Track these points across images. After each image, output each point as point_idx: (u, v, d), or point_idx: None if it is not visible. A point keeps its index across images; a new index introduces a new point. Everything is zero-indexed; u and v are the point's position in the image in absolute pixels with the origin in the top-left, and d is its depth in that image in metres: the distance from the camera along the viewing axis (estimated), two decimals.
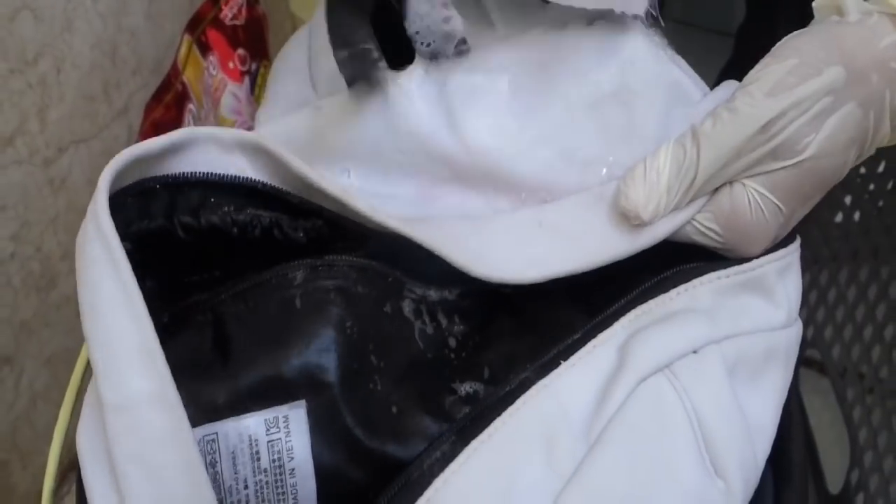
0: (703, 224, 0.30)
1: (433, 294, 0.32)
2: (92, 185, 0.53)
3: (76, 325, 0.55)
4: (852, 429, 0.56)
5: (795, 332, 0.31)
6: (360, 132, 0.32)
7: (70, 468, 0.56)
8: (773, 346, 0.30)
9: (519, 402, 0.27)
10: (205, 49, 0.48)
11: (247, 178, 0.30)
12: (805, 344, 0.64)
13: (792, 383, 0.34)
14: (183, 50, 0.46)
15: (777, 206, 0.30)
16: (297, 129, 0.34)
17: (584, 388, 0.27)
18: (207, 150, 0.29)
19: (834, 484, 0.57)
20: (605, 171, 0.32)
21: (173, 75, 0.45)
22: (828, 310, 0.62)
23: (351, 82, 0.32)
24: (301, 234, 0.31)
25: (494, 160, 0.32)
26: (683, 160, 0.29)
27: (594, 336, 0.29)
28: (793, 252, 0.32)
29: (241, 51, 0.51)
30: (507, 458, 0.26)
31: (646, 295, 0.30)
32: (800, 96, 0.28)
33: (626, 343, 0.28)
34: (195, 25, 0.48)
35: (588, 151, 0.32)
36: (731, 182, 0.30)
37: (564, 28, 0.34)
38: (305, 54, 0.39)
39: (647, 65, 0.33)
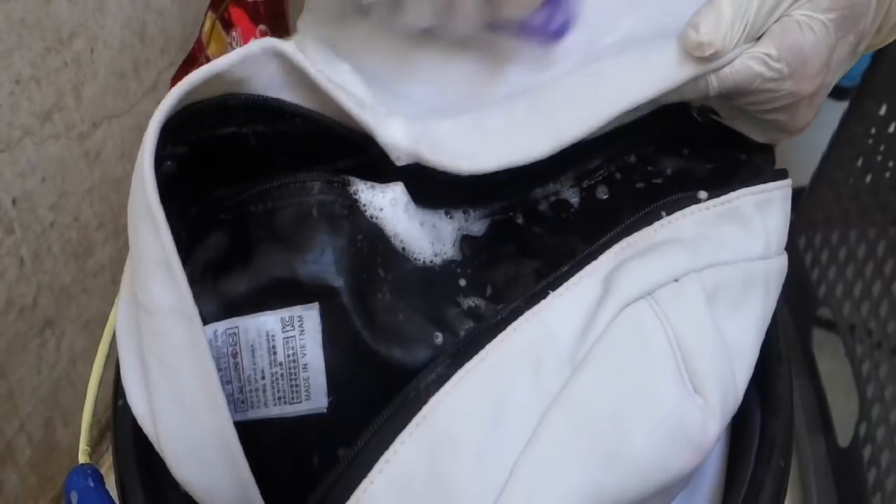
0: (759, 50, 0.32)
1: (444, 214, 0.34)
2: (124, 158, 0.56)
3: (112, 292, 0.58)
4: (861, 383, 0.57)
5: (777, 264, 0.33)
6: None
7: (107, 428, 0.59)
8: (752, 275, 0.31)
9: (509, 329, 0.29)
10: (228, 25, 0.51)
11: (318, 113, 0.32)
12: (816, 302, 0.65)
13: (779, 328, 0.36)
14: (207, 26, 0.49)
15: (823, 23, 0.32)
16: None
17: (571, 316, 0.29)
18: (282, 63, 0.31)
19: (845, 439, 0.59)
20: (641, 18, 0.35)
21: (198, 49, 0.47)
22: (838, 268, 0.63)
23: None
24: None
25: None
26: None
27: (581, 268, 0.30)
28: (775, 189, 0.33)
29: (262, 27, 0.53)
30: (497, 378, 0.28)
31: (630, 228, 0.31)
32: None
33: (610, 274, 0.30)
34: (218, 3, 0.50)
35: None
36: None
37: None
38: None
39: None
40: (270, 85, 0.31)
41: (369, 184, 0.32)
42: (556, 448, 0.27)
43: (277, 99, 0.32)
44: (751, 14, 0.32)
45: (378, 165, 0.33)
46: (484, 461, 0.27)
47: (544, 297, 0.29)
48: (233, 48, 0.52)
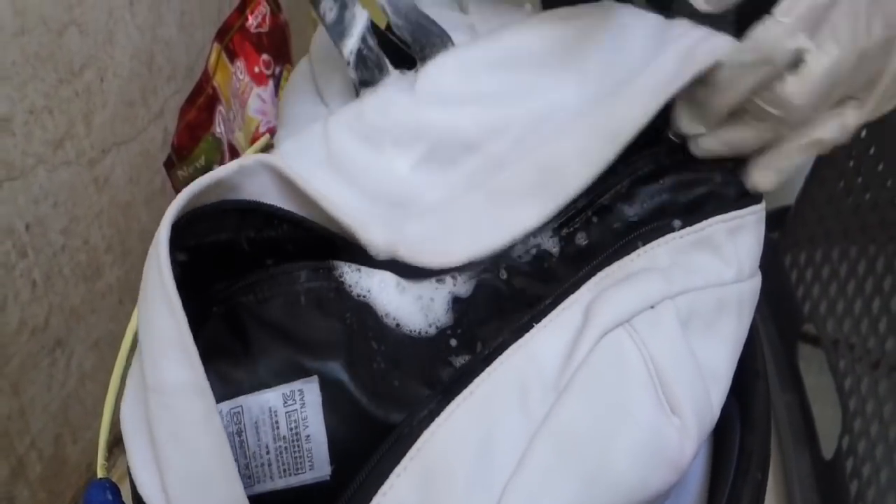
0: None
1: (435, 282, 0.36)
2: (132, 183, 0.58)
3: (119, 312, 0.60)
4: (844, 397, 0.59)
5: (749, 286, 0.35)
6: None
7: (115, 444, 0.61)
8: (725, 299, 0.33)
9: (496, 363, 0.31)
10: (232, 55, 0.53)
11: (303, 218, 0.35)
12: (802, 318, 0.67)
13: (757, 347, 0.38)
14: (213, 57, 0.51)
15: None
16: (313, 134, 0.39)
17: (554, 345, 0.31)
18: (266, 176, 0.34)
19: (829, 451, 0.60)
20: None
21: (205, 80, 0.49)
22: (822, 285, 0.65)
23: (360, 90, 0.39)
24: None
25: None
26: None
27: (563, 300, 0.32)
28: (746, 214, 0.35)
29: (265, 56, 0.55)
30: (486, 410, 0.30)
31: (609, 259, 0.34)
32: None
33: (591, 303, 0.32)
34: (223, 34, 0.52)
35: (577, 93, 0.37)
36: None
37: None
38: (311, 82, 0.45)
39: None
40: (261, 192, 0.34)
41: (354, 266, 0.34)
42: (542, 472, 0.29)
43: (268, 204, 0.34)
44: None
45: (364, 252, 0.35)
46: (474, 489, 0.29)
47: (529, 329, 0.31)
48: (237, 77, 0.54)
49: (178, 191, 0.51)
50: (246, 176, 0.33)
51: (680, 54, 0.35)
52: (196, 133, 0.50)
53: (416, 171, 0.37)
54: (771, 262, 0.36)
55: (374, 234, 0.34)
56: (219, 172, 0.32)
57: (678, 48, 0.35)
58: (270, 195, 0.35)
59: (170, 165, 0.52)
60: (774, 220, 0.37)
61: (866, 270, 0.59)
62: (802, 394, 0.65)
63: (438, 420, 0.30)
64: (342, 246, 0.35)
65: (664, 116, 0.37)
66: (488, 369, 0.31)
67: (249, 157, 0.33)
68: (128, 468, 0.35)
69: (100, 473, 0.35)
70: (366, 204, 0.37)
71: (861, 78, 0.34)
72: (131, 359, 0.33)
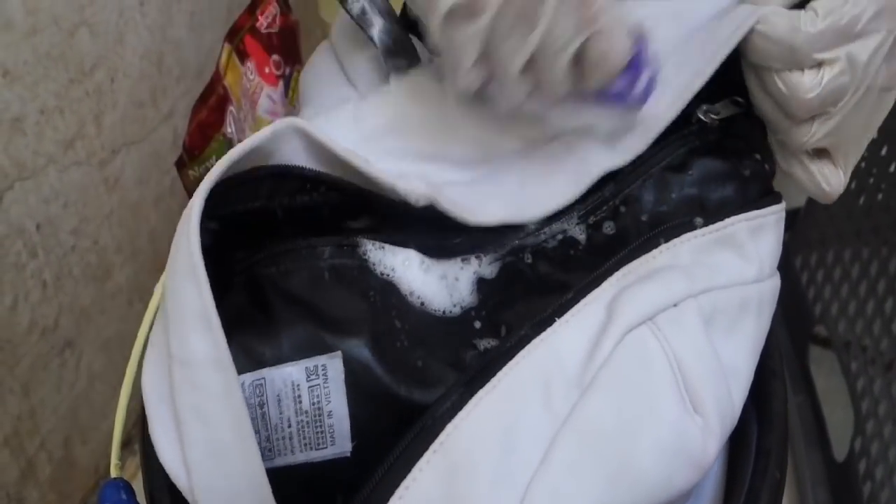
0: None
1: (460, 261, 0.35)
2: (142, 184, 0.58)
3: (129, 313, 0.60)
4: (856, 399, 0.59)
5: (770, 285, 0.35)
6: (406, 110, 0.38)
7: (124, 444, 0.61)
8: (746, 298, 0.33)
9: (518, 357, 0.30)
10: (243, 56, 0.53)
11: (339, 178, 0.34)
12: (813, 320, 0.67)
13: (774, 346, 0.37)
14: (223, 57, 0.51)
15: None
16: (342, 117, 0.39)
17: (577, 341, 0.31)
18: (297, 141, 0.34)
19: (841, 454, 0.60)
20: None
21: (216, 80, 0.49)
22: (833, 287, 0.65)
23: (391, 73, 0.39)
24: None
25: None
26: None
27: (585, 295, 0.32)
28: (768, 214, 0.35)
29: (275, 56, 0.55)
30: (508, 404, 0.30)
31: (631, 255, 0.33)
32: None
33: (613, 300, 0.32)
34: (234, 34, 0.52)
35: None
36: None
37: None
38: (335, 63, 0.44)
39: None
40: (294, 157, 0.34)
41: (378, 244, 0.34)
42: (566, 469, 0.28)
43: (300, 167, 0.34)
44: None
45: (391, 222, 0.35)
46: (498, 484, 0.28)
47: (551, 325, 0.31)
48: (248, 78, 0.54)
49: (188, 191, 0.51)
50: (279, 142, 0.33)
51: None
52: (207, 133, 0.49)
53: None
54: (781, 264, 0.36)
55: (414, 183, 0.34)
56: (254, 140, 0.32)
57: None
58: (302, 160, 0.34)
59: (181, 165, 0.52)
60: (784, 222, 0.37)
61: (878, 271, 0.59)
62: (814, 396, 0.65)
63: (461, 413, 0.29)
64: (377, 209, 0.35)
65: (695, 97, 0.37)
66: (511, 363, 0.30)
67: (282, 122, 0.33)
68: (140, 460, 0.35)
69: (113, 473, 0.35)
70: (403, 164, 0.37)
71: (854, 126, 0.35)
72: (142, 361, 0.33)
